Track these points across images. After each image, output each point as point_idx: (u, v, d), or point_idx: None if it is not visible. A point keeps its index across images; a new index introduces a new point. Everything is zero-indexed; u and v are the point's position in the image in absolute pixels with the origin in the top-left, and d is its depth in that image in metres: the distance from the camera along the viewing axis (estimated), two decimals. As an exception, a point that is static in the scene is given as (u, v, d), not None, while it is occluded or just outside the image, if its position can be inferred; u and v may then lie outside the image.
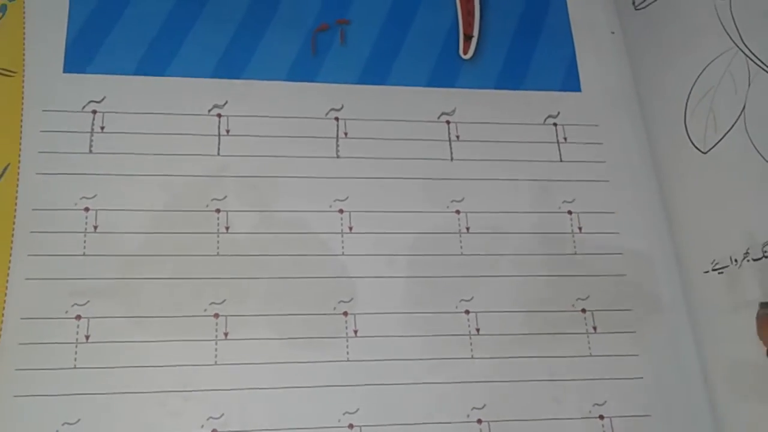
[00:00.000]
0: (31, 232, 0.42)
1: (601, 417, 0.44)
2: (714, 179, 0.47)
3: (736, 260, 0.45)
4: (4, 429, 0.38)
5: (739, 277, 0.44)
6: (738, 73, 0.47)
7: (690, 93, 0.49)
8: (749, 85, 0.46)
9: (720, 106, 0.47)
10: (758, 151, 0.45)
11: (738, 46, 0.47)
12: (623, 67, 0.52)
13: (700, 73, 0.48)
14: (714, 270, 0.46)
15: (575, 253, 0.47)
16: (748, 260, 0.44)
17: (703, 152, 0.47)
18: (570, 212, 0.48)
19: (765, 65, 0.46)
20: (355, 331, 0.43)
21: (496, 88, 0.51)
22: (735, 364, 0.44)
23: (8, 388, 0.39)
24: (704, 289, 0.46)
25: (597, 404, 0.44)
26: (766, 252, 0.43)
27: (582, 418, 0.44)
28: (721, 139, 0.47)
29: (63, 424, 0.39)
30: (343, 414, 0.41)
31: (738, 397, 0.44)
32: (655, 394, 0.45)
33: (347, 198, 0.46)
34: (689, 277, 0.47)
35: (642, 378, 0.45)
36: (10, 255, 0.41)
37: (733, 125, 0.46)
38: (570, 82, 0.52)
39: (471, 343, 0.44)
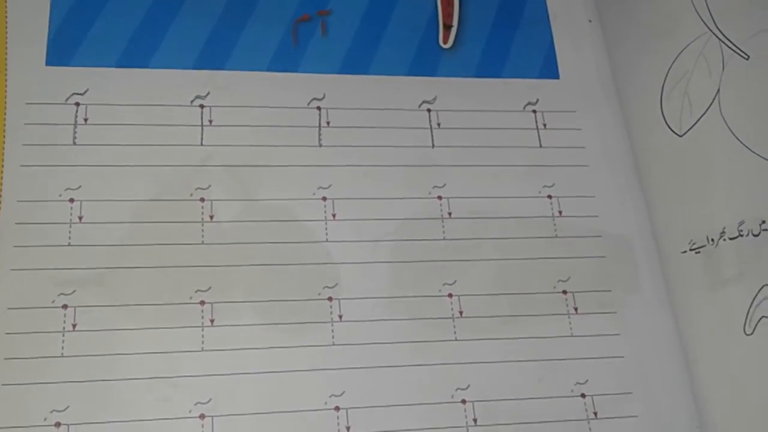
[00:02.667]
0: (17, 223, 0.42)
1: (583, 395, 0.44)
2: (690, 161, 0.48)
3: (712, 240, 0.45)
4: (-7, 416, 0.38)
5: (715, 255, 0.45)
6: (712, 58, 0.48)
7: (666, 78, 0.50)
8: (723, 68, 0.47)
9: (695, 90, 0.48)
10: (733, 133, 0.46)
11: (712, 31, 0.48)
12: (600, 54, 0.53)
13: (675, 58, 0.49)
14: (691, 250, 0.47)
15: (556, 236, 0.48)
16: (724, 239, 0.45)
17: (679, 135, 0.48)
18: (550, 196, 0.49)
19: (738, 49, 0.47)
20: (340, 316, 0.44)
21: (475, 76, 0.51)
22: (712, 340, 0.45)
23: (-4, 377, 0.39)
24: (682, 268, 0.47)
25: (579, 383, 0.45)
26: (741, 231, 0.44)
27: (564, 396, 0.44)
28: (696, 122, 0.48)
29: (51, 412, 0.39)
30: (330, 397, 0.42)
31: (717, 373, 0.45)
32: (635, 372, 0.45)
33: (330, 186, 0.47)
34: (667, 258, 0.48)
35: (623, 357, 0.46)
36: (-3, 247, 0.41)
37: (707, 108, 0.47)
38: (548, 69, 0.52)
39: (454, 326, 0.45)
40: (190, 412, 0.40)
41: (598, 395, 0.45)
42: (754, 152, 0.46)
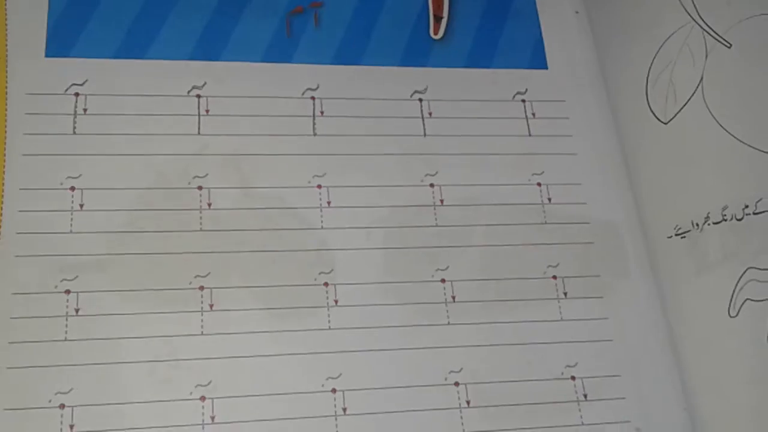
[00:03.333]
0: (20, 211, 0.43)
1: (573, 378, 0.46)
2: (675, 148, 0.49)
3: (697, 224, 0.47)
4: (0, 396, 0.39)
5: (700, 240, 0.47)
6: (695, 47, 0.49)
7: (651, 67, 0.51)
8: (706, 57, 0.48)
9: (679, 79, 0.49)
10: (716, 120, 0.47)
11: (695, 20, 0.49)
12: (587, 44, 0.54)
13: (660, 48, 0.51)
14: (677, 235, 0.48)
15: (545, 223, 0.49)
16: (708, 224, 0.46)
17: (664, 123, 0.50)
18: (539, 184, 0.50)
19: (720, 38, 0.48)
20: (336, 301, 0.45)
21: (466, 66, 0.53)
22: (698, 323, 0.46)
23: (2, 360, 0.40)
24: (668, 253, 0.48)
25: (569, 366, 0.46)
26: (725, 215, 0.46)
27: (554, 379, 0.45)
28: (680, 110, 0.49)
29: (56, 394, 0.40)
30: (326, 379, 0.43)
31: (702, 354, 0.46)
32: (624, 355, 0.47)
33: (325, 174, 0.48)
34: (654, 243, 0.49)
35: (611, 340, 0.47)
36: (0, 233, 0.42)
37: (691, 96, 0.49)
38: (537, 60, 0.54)
39: (447, 310, 0.46)
40: (190, 394, 0.41)
41: (587, 378, 0.46)
42: (736, 138, 0.47)
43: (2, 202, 0.43)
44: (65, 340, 0.41)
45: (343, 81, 0.50)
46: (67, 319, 0.42)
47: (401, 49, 0.52)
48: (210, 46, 0.49)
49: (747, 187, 0.46)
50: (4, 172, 0.44)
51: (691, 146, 0.49)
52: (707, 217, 0.47)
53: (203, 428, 0.41)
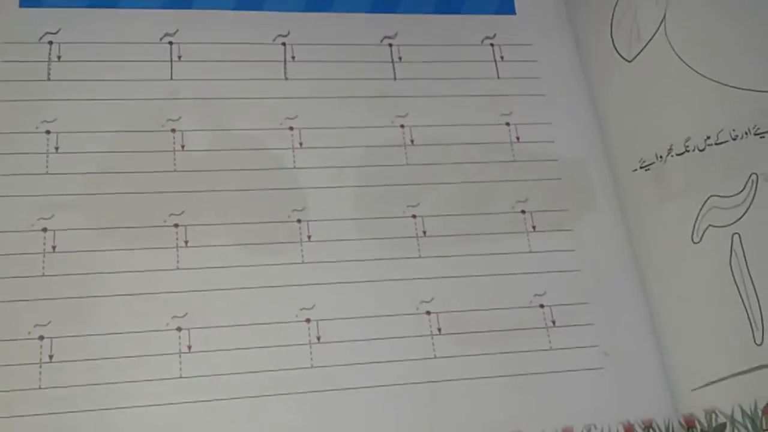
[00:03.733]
0: (-3, 153, 0.44)
1: (542, 306, 0.47)
2: (639, 85, 0.50)
3: (661, 156, 0.48)
4: (-21, 332, 0.40)
5: (664, 171, 0.48)
6: (658, -15, 0.50)
7: (615, 7, 0.52)
8: (668, -5, 0.49)
9: (642, 17, 0.51)
10: (678, 56, 0.48)
11: (657, -42, 0.50)
12: (554, -11, 0.55)
13: (624, -12, 0.52)
14: (642, 168, 0.49)
15: (514, 161, 0.50)
16: (671, 155, 0.48)
17: (628, 61, 0.51)
18: (508, 124, 0.51)
19: (682, -24, 0.49)
20: (309, 237, 0.46)
21: (435, 12, 0.54)
22: (663, 250, 0.47)
23: (-20, 295, 0.41)
24: (634, 185, 0.49)
25: (537, 294, 0.47)
26: (688, 147, 0.47)
27: (524, 307, 0.47)
28: (644, 48, 0.50)
29: (35, 326, 0.41)
30: (300, 310, 0.44)
31: (667, 280, 0.47)
32: (591, 284, 0.48)
33: (296, 116, 0.49)
34: (620, 177, 0.50)
35: (579, 270, 0.48)
36: (-23, 175, 0.43)
37: (654, 34, 0.50)
38: (505, 5, 0.55)
39: (418, 245, 0.47)
40: (167, 325, 0.43)
41: (556, 305, 0.47)
42: (698, 73, 0.48)
43: (-21, 146, 0.44)
44: (43, 275, 0.42)
45: (314, 27, 0.52)
46: (44, 256, 0.43)
47: (371, -5, 0.53)
48: (181, -5, 0.50)
49: (708, 119, 0.47)
50: (-19, 117, 0.45)
51: (654, 82, 0.50)
52: (670, 149, 0.48)
53: (180, 356, 0.42)
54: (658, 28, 0.50)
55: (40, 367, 0.41)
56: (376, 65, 0.51)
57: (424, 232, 0.47)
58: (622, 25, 0.52)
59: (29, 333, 0.41)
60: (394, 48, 0.52)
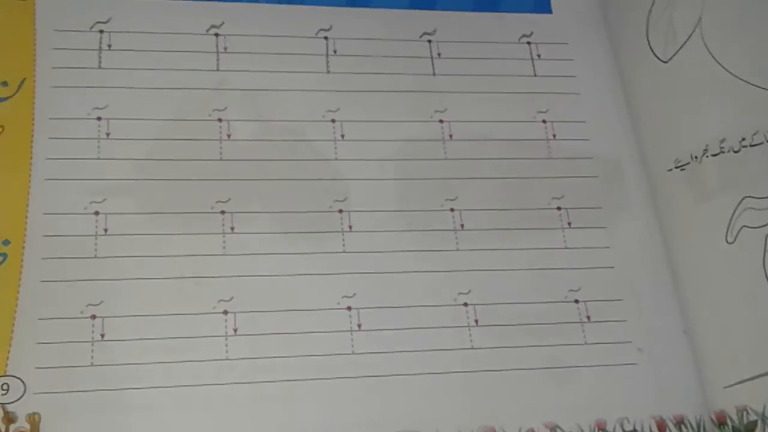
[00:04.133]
0: (49, 138, 0.45)
1: (576, 301, 0.48)
2: (674, 85, 0.51)
3: (696, 157, 0.49)
4: (33, 310, 0.42)
5: (699, 171, 0.49)
6: (694, -13, 0.51)
7: (651, 8, 0.53)
8: (704, -2, 0.50)
9: (678, 19, 0.51)
10: (713, 57, 0.49)
11: (694, -39, 0.51)
12: (591, -11, 0.56)
13: (661, -11, 0.52)
14: (677, 167, 0.50)
15: (550, 158, 0.51)
16: (707, 156, 0.48)
17: (664, 62, 0.52)
18: (544, 121, 0.52)
19: (718, -21, 0.50)
20: (350, 227, 0.47)
21: (473, 10, 0.55)
22: (697, 249, 0.48)
23: (35, 274, 0.42)
24: (668, 185, 0.50)
25: (572, 290, 0.48)
26: (723, 148, 0.48)
27: (558, 302, 0.47)
28: (679, 49, 0.51)
29: (87, 305, 0.42)
30: (342, 297, 0.45)
31: (701, 279, 0.48)
32: (625, 281, 0.49)
33: (338, 109, 0.50)
34: (654, 176, 0.51)
35: (613, 267, 0.49)
36: (31, 158, 0.44)
37: (690, 35, 0.51)
38: (542, 4, 0.56)
39: (456, 237, 0.48)
40: (214, 308, 0.44)
41: (590, 301, 0.48)
42: (732, 74, 0.49)
43: (33, 130, 0.45)
44: (95, 257, 0.44)
45: (355, 22, 0.53)
46: (96, 238, 0.44)
47: (410, -8, 0.54)
48: (228, -12, 0.51)
49: (744, 120, 0.48)
50: (34, 103, 0.46)
51: (689, 83, 0.51)
52: (706, 150, 0.49)
53: (226, 339, 0.43)
54: (694, 30, 0.51)
55: (92, 345, 0.42)
56: (416, 61, 0.52)
57: (462, 226, 0.48)
58: (658, 26, 0.52)
59: (82, 312, 0.42)
60: (433, 44, 0.53)
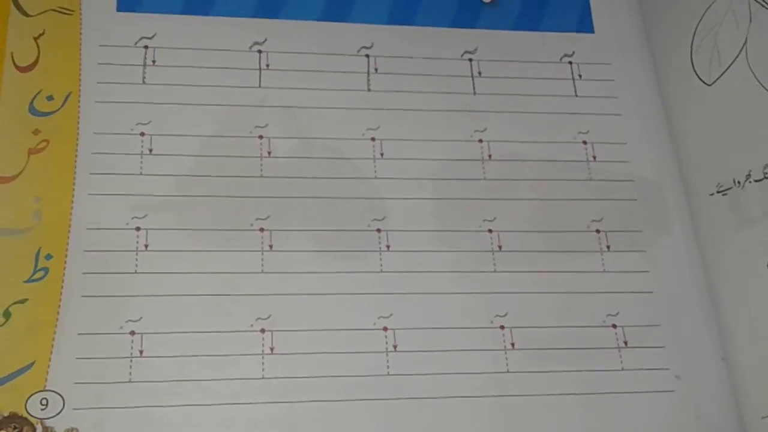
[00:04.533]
0: (93, 153, 0.46)
1: (614, 326, 0.47)
2: (717, 109, 0.50)
3: (739, 182, 0.48)
4: (74, 324, 0.42)
5: (742, 197, 0.48)
6: (739, 11, 0.50)
7: (695, 30, 0.52)
8: (750, 21, 0.50)
9: (723, 42, 0.51)
10: (759, 81, 0.49)
11: (739, -16, 0.50)
12: (633, 8, 0.56)
13: (705, 12, 0.52)
14: (718, 192, 0.49)
15: (590, 179, 0.51)
16: (750, 181, 0.48)
17: (707, 84, 0.51)
18: (585, 142, 0.52)
19: (764, 3, 0.49)
20: (388, 246, 0.47)
21: (514, 29, 0.54)
22: (737, 275, 0.48)
23: (76, 289, 0.43)
24: (710, 209, 0.50)
25: (610, 315, 0.48)
26: (766, 173, 0.47)
27: (596, 326, 0.47)
28: (724, 72, 0.50)
29: (127, 321, 0.43)
30: (378, 318, 0.45)
31: (740, 306, 0.47)
32: (664, 306, 0.48)
33: (378, 127, 0.50)
34: (696, 200, 0.51)
35: (652, 292, 0.49)
36: (74, 173, 0.45)
37: (735, 58, 0.50)
38: (584, 23, 0.55)
39: (494, 259, 0.48)
40: (251, 326, 0.44)
41: (628, 326, 0.48)
42: (779, 99, 0.48)
43: (77, 144, 0.46)
44: (135, 272, 0.44)
45: (396, 40, 0.53)
46: (137, 254, 0.44)
47: (452, 10, 0.54)
48: (270, 5, 0.51)
49: (789, 145, 0.47)
50: (78, 118, 0.46)
51: (733, 107, 0.50)
52: (749, 175, 0.48)
53: (263, 358, 0.43)
54: (740, 53, 0.50)
55: (131, 361, 0.42)
56: (457, 79, 0.52)
57: (500, 247, 0.48)
58: (703, 47, 0.52)
59: (121, 328, 0.43)
60: (474, 63, 0.53)
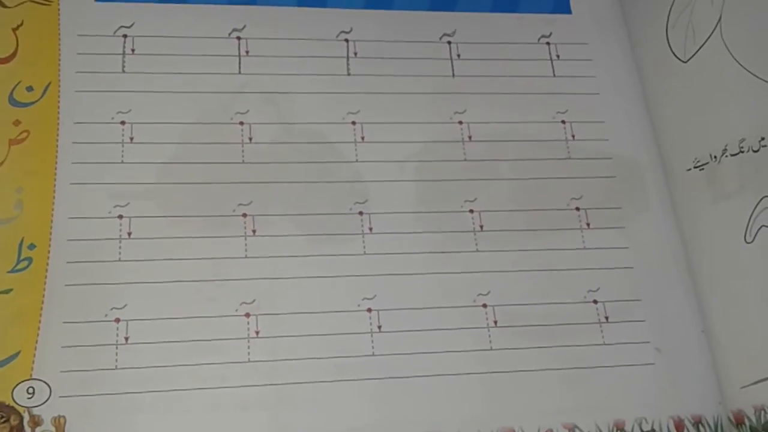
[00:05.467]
0: (74, 142, 0.46)
1: (595, 302, 0.48)
2: (693, 85, 0.51)
3: (715, 157, 0.49)
4: (59, 313, 0.43)
5: (718, 171, 0.49)
6: (714, -13, 0.50)
7: (671, 8, 0.53)
8: (724, -3, 0.50)
9: (698, 19, 0.51)
10: (733, 57, 0.49)
11: (714, -39, 0.50)
12: (610, -12, 0.56)
13: (680, -11, 0.52)
14: (696, 167, 0.50)
15: (569, 158, 0.51)
16: (726, 156, 0.48)
17: (683, 61, 0.51)
18: (563, 122, 0.52)
19: (738, -21, 0.49)
20: (370, 228, 0.47)
21: (492, 11, 0.55)
22: (715, 249, 0.48)
23: (60, 278, 0.43)
24: (687, 185, 0.50)
25: (591, 290, 0.48)
26: (742, 147, 0.47)
27: (577, 302, 0.48)
28: (699, 49, 0.51)
29: (111, 309, 0.43)
30: (362, 299, 0.46)
31: (719, 279, 0.48)
32: (644, 281, 0.49)
33: (359, 111, 0.50)
34: (673, 176, 0.51)
35: (632, 267, 0.49)
36: (56, 163, 0.45)
37: (710, 35, 0.50)
38: (561, 4, 0.56)
39: (476, 239, 0.48)
40: (236, 310, 0.44)
41: (608, 302, 0.48)
42: (752, 74, 0.49)
43: (58, 134, 0.46)
44: (119, 260, 0.44)
45: (375, 24, 0.53)
46: (120, 242, 0.45)
47: (430, -7, 0.54)
48: (248, -9, 0.51)
49: (763, 120, 0.48)
50: (59, 107, 0.46)
51: (709, 83, 0.50)
52: (725, 150, 0.49)
53: (248, 341, 0.44)
54: (714, 30, 0.50)
55: (116, 348, 0.43)
56: (436, 62, 0.52)
57: (481, 227, 0.49)
58: (678, 26, 0.52)
59: (106, 315, 0.43)
60: (453, 45, 0.53)
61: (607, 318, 0.47)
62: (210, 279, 0.45)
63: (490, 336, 0.46)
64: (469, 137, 0.51)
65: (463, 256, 0.48)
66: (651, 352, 0.47)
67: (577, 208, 0.50)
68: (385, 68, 0.52)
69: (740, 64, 0.49)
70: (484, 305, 0.47)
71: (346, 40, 0.52)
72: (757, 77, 0.48)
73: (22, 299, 0.42)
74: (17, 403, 0.40)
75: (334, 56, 0.51)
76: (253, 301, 0.44)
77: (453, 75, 0.52)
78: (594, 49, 0.55)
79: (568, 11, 0.55)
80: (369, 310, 0.45)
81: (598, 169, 0.51)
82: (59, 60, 0.47)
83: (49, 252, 0.43)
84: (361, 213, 0.47)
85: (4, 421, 0.40)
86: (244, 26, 0.51)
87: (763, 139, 0.47)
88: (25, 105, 0.46)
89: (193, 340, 0.43)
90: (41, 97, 0.46)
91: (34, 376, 0.41)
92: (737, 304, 0.47)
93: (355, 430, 0.43)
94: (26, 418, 0.40)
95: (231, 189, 0.47)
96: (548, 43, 0.54)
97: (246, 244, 0.46)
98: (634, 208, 0.51)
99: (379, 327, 0.45)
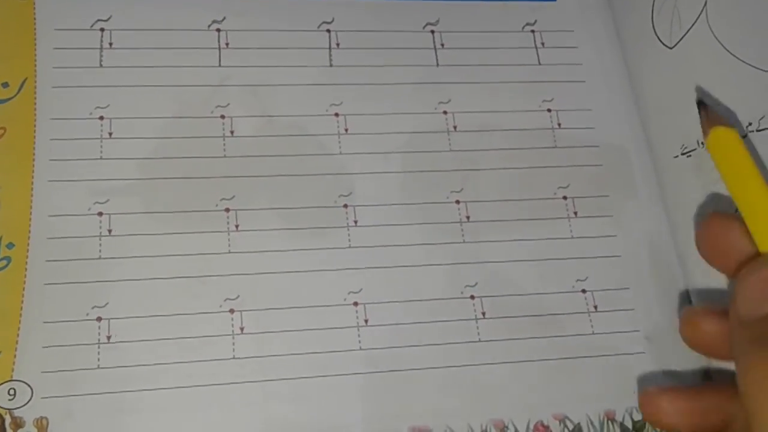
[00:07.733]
0: (51, 139, 0.45)
1: (584, 291, 0.47)
2: (680, 71, 0.50)
3: (702, 143, 0.48)
4: (39, 312, 0.42)
5: (706, 157, 0.48)
6: (700, -29, 0.50)
7: (656, -6, 0.52)
8: (710, -19, 0.49)
9: (683, 4, 0.51)
10: (719, 42, 0.49)
11: (699, -56, 0.50)
12: (594, -25, 0.56)
13: (665, -26, 0.52)
14: (683, 154, 0.49)
15: (555, 147, 0.51)
16: (713, 142, 0.48)
17: (669, 47, 0.51)
18: (549, 110, 0.52)
19: (724, -38, 0.49)
20: (355, 221, 0.47)
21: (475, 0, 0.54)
22: (705, 236, 0.48)
23: (39, 277, 0.43)
24: (675, 172, 0.50)
25: (579, 280, 0.48)
26: (729, 133, 0.47)
27: (566, 292, 0.47)
28: (685, 34, 0.50)
29: (93, 308, 0.43)
30: (348, 293, 0.45)
31: (708, 266, 0.47)
32: (632, 270, 0.48)
33: (342, 103, 0.49)
34: (661, 163, 0.51)
35: (620, 256, 0.49)
36: (33, 160, 0.44)
37: (696, 20, 0.50)
38: (545, -8, 0.55)
39: (462, 230, 0.48)
40: (220, 307, 0.44)
41: (597, 291, 0.48)
42: (738, 59, 0.48)
43: (35, 131, 0.45)
44: (99, 258, 0.44)
45: (358, 14, 0.52)
46: (100, 239, 0.44)
47: (413, -18, 0.53)
48: (228, -18, 0.51)
49: (750, 105, 0.48)
50: (35, 103, 0.46)
51: (696, 69, 0.50)
52: (712, 136, 0.48)
53: (233, 338, 0.43)
54: (700, 15, 0.50)
55: (99, 347, 0.42)
56: (419, 52, 0.52)
57: (468, 218, 0.48)
58: (663, 11, 0.52)
59: (87, 314, 0.43)
60: (436, 35, 0.52)
61: (596, 307, 0.47)
62: (192, 275, 0.44)
63: (478, 328, 0.46)
64: (455, 127, 0.50)
65: (449, 247, 0.47)
66: (641, 341, 0.47)
67: (565, 197, 0.49)
68: (367, 59, 0.51)
69: (726, 49, 0.48)
70: (472, 297, 0.46)
71: (328, 31, 0.51)
72: (744, 62, 0.48)
73: (0, 299, 0.41)
74: (-2, 405, 0.39)
75: (316, 47, 0.51)
76: (237, 297, 0.44)
77: (437, 64, 0.52)
78: (579, 36, 0.54)
79: (553, -1, 0.55)
80: (355, 303, 0.45)
81: (585, 157, 0.51)
82: (35, 55, 0.47)
83: (28, 251, 0.43)
84: (345, 206, 0.47)
85: (-15, 424, 0.39)
86: (224, 18, 0.50)
87: (750, 124, 0.47)
88: (1, 102, 0.45)
89: (176, 338, 0.43)
90: (17, 93, 0.46)
91: (14, 378, 0.40)
92: (726, 292, 0.46)
93: (342, 425, 0.43)
94: (8, 420, 0.39)
95: (213, 183, 0.46)
96: (533, 31, 0.54)
97: (229, 239, 0.45)
98: (622, 196, 0.50)
99: (366, 321, 0.45)
